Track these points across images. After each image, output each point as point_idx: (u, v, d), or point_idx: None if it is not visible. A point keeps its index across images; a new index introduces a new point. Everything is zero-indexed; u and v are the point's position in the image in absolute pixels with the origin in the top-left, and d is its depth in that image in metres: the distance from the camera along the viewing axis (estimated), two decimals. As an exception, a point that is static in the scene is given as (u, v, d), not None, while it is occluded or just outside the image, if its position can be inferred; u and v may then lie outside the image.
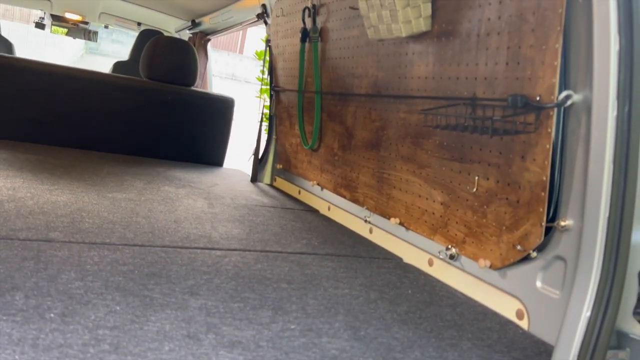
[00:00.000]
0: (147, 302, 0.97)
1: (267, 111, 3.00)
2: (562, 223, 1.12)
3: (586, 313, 0.92)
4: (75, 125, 2.87)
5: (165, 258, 1.25)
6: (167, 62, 3.05)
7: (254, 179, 2.89)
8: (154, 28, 4.59)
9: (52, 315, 0.85)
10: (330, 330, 0.99)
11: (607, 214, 0.93)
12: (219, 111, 3.20)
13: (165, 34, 4.53)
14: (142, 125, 3.02)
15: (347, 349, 0.92)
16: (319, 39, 2.19)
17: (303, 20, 2.27)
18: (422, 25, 1.46)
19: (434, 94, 1.49)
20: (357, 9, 1.83)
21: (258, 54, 3.72)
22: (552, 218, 1.16)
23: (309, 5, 2.23)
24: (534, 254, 1.19)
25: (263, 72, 3.23)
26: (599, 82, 0.94)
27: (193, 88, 3.19)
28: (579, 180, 1.09)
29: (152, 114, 3.04)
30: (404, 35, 1.45)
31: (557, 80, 1.10)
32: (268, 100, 3.00)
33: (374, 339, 0.98)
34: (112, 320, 0.87)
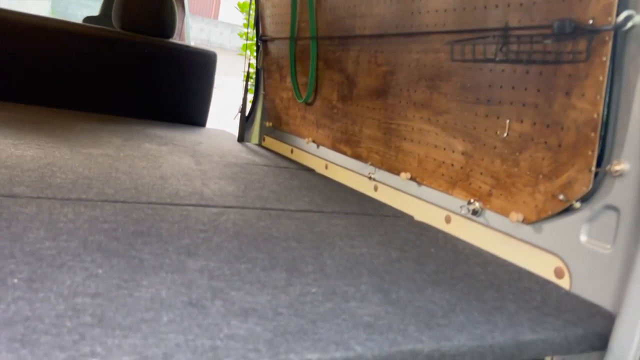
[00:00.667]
0: (136, 264, 0.79)
1: (252, 70, 2.78)
2: (616, 167, 0.97)
3: (662, 267, 0.78)
4: (43, 80, 2.61)
5: (152, 215, 1.07)
6: (142, 10, 2.78)
7: (241, 138, 2.69)
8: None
9: (15, 280, 0.67)
10: (357, 293, 0.83)
11: None
12: (200, 66, 2.96)
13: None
14: (116, 81, 2.78)
15: (382, 314, 0.76)
16: (314, -22, 1.98)
17: (295, -42, 2.05)
18: (444, -53, 1.27)
19: (456, 28, 1.31)
20: (362, -63, 1.62)
21: (240, 5, 3.46)
22: (599, 162, 1.02)
23: (303, -60, 2.00)
24: (577, 205, 1.05)
25: (247, 25, 3.00)
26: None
27: (172, 40, 2.94)
28: (638, 118, 0.94)
29: (128, 69, 2.80)
30: (423, -42, 1.26)
31: (616, -2, 0.94)
32: (252, 59, 2.78)
33: (409, 303, 0.83)
34: (93, 286, 0.69)
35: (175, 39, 3.53)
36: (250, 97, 2.78)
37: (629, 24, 0.94)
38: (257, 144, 2.69)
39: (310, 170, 2.09)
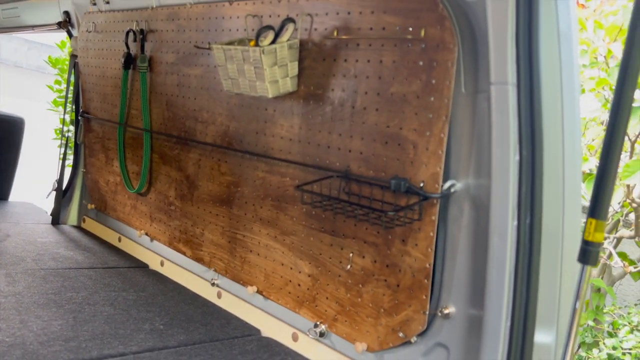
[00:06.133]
0: None
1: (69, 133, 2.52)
2: (445, 310, 1.12)
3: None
4: None
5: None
6: None
7: (56, 220, 2.39)
8: None
9: None
10: None
11: (510, 312, 0.94)
12: (3, 134, 2.58)
13: None
14: None
15: None
16: (148, 69, 1.90)
17: (126, 44, 1.93)
18: (289, 85, 1.33)
19: (300, 159, 1.38)
20: (205, 48, 1.62)
21: (52, 61, 3.07)
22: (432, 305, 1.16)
23: (135, 28, 1.91)
24: (414, 339, 1.17)
25: (59, 82, 2.71)
26: (497, 191, 0.94)
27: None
28: (462, 269, 1.10)
29: None
30: (270, 96, 1.30)
31: (441, 168, 1.09)
32: (68, 119, 2.53)
33: None
34: None
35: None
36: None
37: (452, 190, 1.10)
38: (75, 226, 2.42)
39: (144, 266, 1.95)
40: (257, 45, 1.25)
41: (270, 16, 1.42)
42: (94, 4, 2.14)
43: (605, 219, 0.82)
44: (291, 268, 1.43)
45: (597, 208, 0.81)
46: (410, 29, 1.12)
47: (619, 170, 2.17)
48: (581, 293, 0.85)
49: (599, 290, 2.80)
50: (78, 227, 2.40)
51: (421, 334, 1.16)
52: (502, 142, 0.93)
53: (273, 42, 1.26)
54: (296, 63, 1.33)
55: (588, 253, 0.83)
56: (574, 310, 0.85)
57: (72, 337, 1.23)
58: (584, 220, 0.83)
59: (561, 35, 0.94)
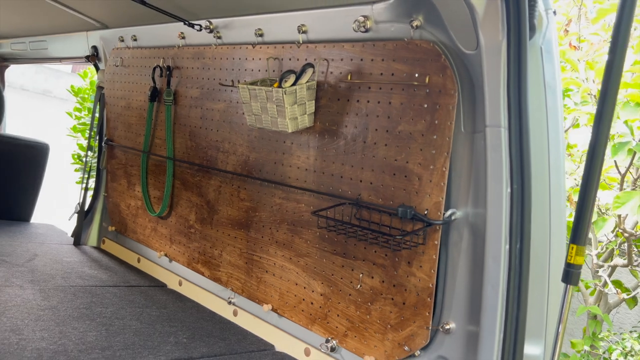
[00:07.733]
0: None
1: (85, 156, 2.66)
2: (446, 326, 1.24)
3: None
4: None
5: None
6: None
7: (78, 240, 2.53)
8: None
9: None
10: None
11: (502, 326, 1.06)
12: (29, 159, 2.74)
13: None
14: None
15: None
16: (173, 102, 2.06)
17: (153, 78, 2.10)
18: (307, 121, 1.49)
19: (315, 187, 1.52)
20: (229, 86, 1.78)
21: (74, 90, 3.26)
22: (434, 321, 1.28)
23: (162, 64, 2.08)
24: (418, 353, 1.29)
25: (79, 110, 2.87)
26: (492, 219, 1.08)
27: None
28: (461, 288, 1.23)
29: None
30: (290, 131, 1.45)
31: (443, 198, 1.23)
32: (87, 143, 2.68)
33: None
34: None
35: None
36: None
37: (453, 218, 1.24)
38: (95, 247, 2.55)
39: (162, 285, 2.08)
40: (280, 86, 1.41)
41: (290, 59, 1.58)
42: (122, 41, 2.32)
43: (584, 244, 0.95)
44: (304, 287, 1.56)
45: (577, 235, 0.94)
46: (416, 75, 1.27)
47: (610, 201, 2.31)
48: (565, 310, 0.98)
49: (595, 317, 2.90)
50: (98, 248, 2.53)
51: (424, 348, 1.28)
52: (496, 176, 1.07)
53: (294, 83, 1.42)
54: (313, 102, 1.49)
55: (570, 274, 0.96)
56: (559, 324, 0.98)
57: (107, 347, 1.35)
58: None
59: (547, 86, 1.09)
